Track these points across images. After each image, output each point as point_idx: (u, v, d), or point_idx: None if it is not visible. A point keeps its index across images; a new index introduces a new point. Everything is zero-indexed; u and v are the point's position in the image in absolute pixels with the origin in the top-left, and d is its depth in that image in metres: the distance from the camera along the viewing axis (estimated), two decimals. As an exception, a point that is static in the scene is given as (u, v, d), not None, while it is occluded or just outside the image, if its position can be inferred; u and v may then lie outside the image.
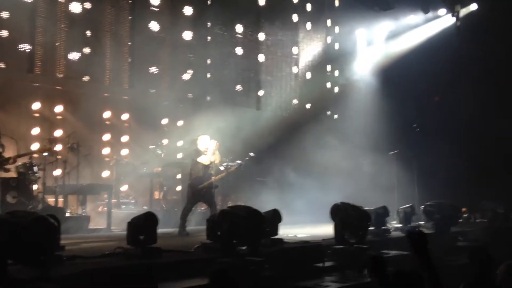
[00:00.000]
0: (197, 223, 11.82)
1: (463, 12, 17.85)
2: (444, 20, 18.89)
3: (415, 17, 19.52)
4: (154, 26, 14.72)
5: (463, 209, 14.21)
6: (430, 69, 17.71)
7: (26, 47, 12.43)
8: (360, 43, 20.10)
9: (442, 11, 18.84)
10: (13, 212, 5.55)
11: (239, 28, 16.88)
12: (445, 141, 16.88)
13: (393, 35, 19.83)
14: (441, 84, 18.15)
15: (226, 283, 4.27)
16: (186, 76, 15.46)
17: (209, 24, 16.15)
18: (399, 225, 11.75)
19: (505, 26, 16.88)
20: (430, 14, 19.09)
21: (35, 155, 11.03)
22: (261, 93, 17.51)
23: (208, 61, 16.06)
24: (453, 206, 12.44)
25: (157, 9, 14.78)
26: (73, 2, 13.16)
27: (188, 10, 15.53)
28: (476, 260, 5.20)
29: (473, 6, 18.28)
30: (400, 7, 19.16)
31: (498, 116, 17.06)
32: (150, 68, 14.61)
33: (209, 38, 16.13)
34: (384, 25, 19.82)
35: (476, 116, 17.22)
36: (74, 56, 13.18)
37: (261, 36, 17.56)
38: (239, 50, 16.85)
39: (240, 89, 16.88)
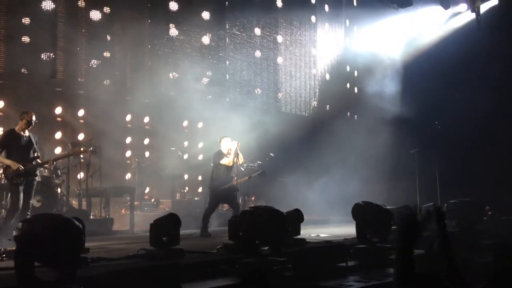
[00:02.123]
0: (219, 224, 11.87)
1: (484, 7, 17.64)
2: (464, 16, 18.69)
3: (435, 14, 19.35)
4: (173, 29, 14.82)
5: (487, 208, 14.03)
6: (451, 66, 17.54)
7: (47, 52, 12.58)
8: (379, 41, 19.97)
9: (462, 6, 18.64)
10: (39, 215, 5.62)
11: (257, 28, 16.92)
12: (467, 137, 16.71)
13: (412, 32, 19.69)
14: (462, 81, 17.96)
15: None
16: (206, 78, 15.53)
17: (227, 26, 16.21)
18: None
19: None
20: (450, 10, 18.92)
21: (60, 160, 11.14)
22: (280, 93, 17.51)
23: (227, 62, 16.11)
24: (477, 204, 12.30)
25: (175, 12, 14.86)
26: (93, 7, 13.31)
27: (206, 13, 15.59)
28: (502, 257, 5.14)
29: (494, 1, 18.07)
30: (419, 3, 19.02)
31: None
32: (170, 71, 14.70)
33: (227, 39, 16.19)
34: (403, 23, 19.68)
35: (498, 112, 17.00)
36: (95, 60, 13.31)
37: (280, 36, 17.57)
38: (257, 51, 16.88)
39: (259, 90, 16.90)
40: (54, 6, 12.62)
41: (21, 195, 8.06)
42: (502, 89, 17.09)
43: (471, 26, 17.82)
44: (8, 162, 8.04)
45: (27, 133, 8.31)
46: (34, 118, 8.31)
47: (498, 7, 17.95)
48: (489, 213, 14.44)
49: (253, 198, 14.52)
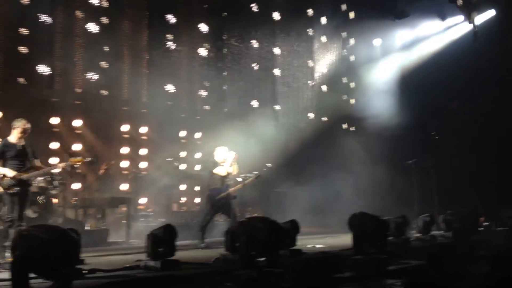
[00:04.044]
0: (215, 235, 11.85)
1: (480, 19, 17.73)
2: (461, 27, 18.79)
3: (432, 25, 19.45)
4: (170, 39, 14.85)
5: (481, 218, 14.04)
6: (448, 76, 17.61)
7: (45, 63, 12.59)
8: (376, 52, 20.05)
9: (459, 18, 18.72)
10: (35, 226, 5.62)
11: (255, 39, 16.95)
12: (464, 148, 16.74)
13: (409, 44, 19.78)
14: (459, 91, 18.02)
15: None
16: (203, 88, 15.54)
17: (225, 36, 16.26)
18: (419, 234, 11.67)
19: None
20: (447, 21, 19.01)
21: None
22: (278, 104, 17.53)
23: (225, 73, 16.14)
24: (473, 215, 12.34)
25: (173, 23, 14.89)
26: (91, 18, 13.34)
27: (204, 24, 15.60)
28: (498, 268, 5.16)
29: (490, 13, 18.17)
30: (416, 15, 19.11)
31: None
32: (168, 81, 14.70)
33: (225, 50, 16.23)
34: (400, 34, 19.77)
35: (495, 123, 17.05)
36: (92, 70, 13.32)
37: (277, 47, 17.61)
38: (255, 61, 16.89)
39: (257, 100, 16.90)
40: (52, 16, 12.65)
41: (15, 206, 8.02)
42: (498, 100, 17.15)
43: (468, 37, 17.89)
44: (4, 171, 8.01)
45: (22, 142, 8.26)
46: (27, 125, 8.27)
47: (494, 18, 18.05)
48: (485, 223, 14.47)
49: (249, 209, 14.49)
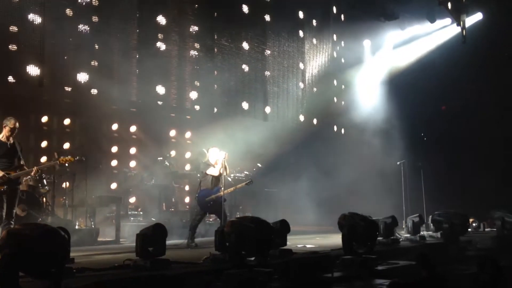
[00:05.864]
0: (206, 235, 11.84)
1: (469, 21, 17.86)
2: (450, 29, 18.92)
3: (421, 27, 19.57)
4: (161, 38, 14.81)
5: (470, 219, 14.14)
6: (436, 78, 17.73)
7: (35, 61, 12.51)
8: (366, 54, 20.14)
9: (448, 20, 18.86)
10: (24, 225, 5.59)
11: (245, 39, 16.94)
12: (453, 150, 16.85)
13: (399, 45, 19.89)
14: (448, 93, 18.15)
15: None
16: (193, 87, 15.52)
17: (215, 36, 16.23)
18: (408, 235, 11.74)
19: (510, 34, 16.92)
20: (436, 24, 19.14)
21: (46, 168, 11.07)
22: (268, 104, 17.53)
23: (215, 72, 16.11)
24: (462, 215, 12.44)
25: (164, 22, 14.86)
26: (81, 16, 13.26)
27: (194, 23, 15.59)
28: (485, 269, 5.20)
29: (478, 16, 18.31)
30: (406, 17, 19.23)
31: (505, 124, 17.04)
32: (157, 80, 14.66)
33: (215, 49, 16.21)
34: (389, 36, 19.87)
35: (483, 125, 17.19)
36: (82, 69, 13.25)
37: (268, 47, 17.62)
38: (245, 61, 16.88)
39: (247, 100, 16.90)
40: (42, 14, 12.55)
41: (4, 204, 8.00)
42: (486, 102, 17.29)
43: (457, 39, 18.01)
44: None
45: (11, 140, 8.25)
46: (17, 124, 8.28)
47: (482, 21, 18.19)
48: (474, 224, 14.59)
49: (240, 207, 14.50)
